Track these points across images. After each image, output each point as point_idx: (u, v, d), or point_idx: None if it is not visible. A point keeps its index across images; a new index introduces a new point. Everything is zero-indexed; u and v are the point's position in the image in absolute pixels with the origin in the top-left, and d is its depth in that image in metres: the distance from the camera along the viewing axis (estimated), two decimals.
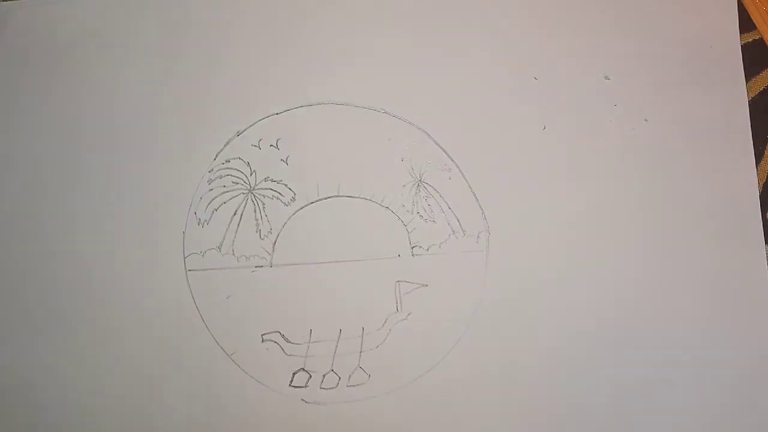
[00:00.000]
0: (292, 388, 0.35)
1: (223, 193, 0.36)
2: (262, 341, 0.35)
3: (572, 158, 0.36)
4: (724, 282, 0.35)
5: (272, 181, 0.36)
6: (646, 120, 0.36)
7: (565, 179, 0.36)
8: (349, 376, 0.35)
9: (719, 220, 0.35)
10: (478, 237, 0.36)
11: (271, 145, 0.37)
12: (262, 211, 0.36)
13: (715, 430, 0.34)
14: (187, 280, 0.36)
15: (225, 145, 0.37)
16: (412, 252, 0.35)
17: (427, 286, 0.35)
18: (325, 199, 0.36)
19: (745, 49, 0.37)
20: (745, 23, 0.37)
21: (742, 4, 0.37)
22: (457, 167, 0.36)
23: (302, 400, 0.35)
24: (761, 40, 0.37)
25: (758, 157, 0.36)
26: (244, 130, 0.37)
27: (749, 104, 0.36)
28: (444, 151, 0.36)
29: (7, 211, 0.37)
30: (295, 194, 0.36)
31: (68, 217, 0.37)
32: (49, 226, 0.37)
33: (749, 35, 0.37)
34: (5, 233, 0.37)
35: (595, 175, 0.36)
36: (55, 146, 0.37)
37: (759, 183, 0.36)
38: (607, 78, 0.37)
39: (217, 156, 0.37)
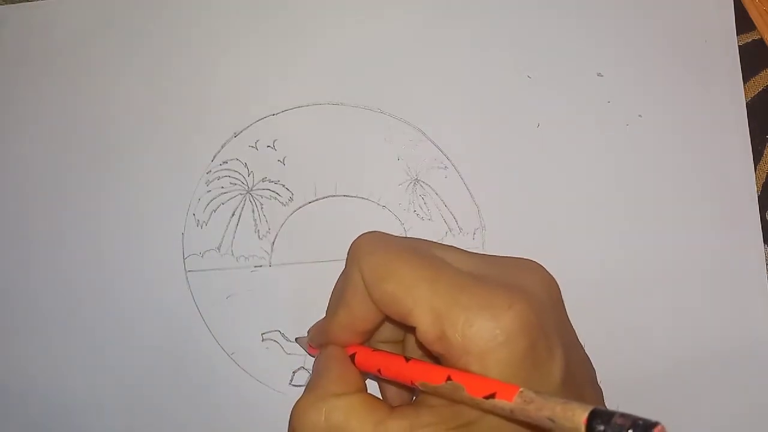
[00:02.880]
0: (293, 387, 0.35)
1: (221, 194, 0.37)
2: (262, 340, 0.36)
3: (566, 155, 0.36)
4: (723, 282, 0.35)
5: (270, 181, 0.37)
6: (640, 116, 0.36)
7: (559, 176, 0.36)
8: None
9: (717, 220, 0.35)
10: (474, 234, 0.36)
11: (268, 146, 0.37)
12: (260, 212, 0.36)
13: (711, 429, 0.34)
14: (188, 282, 0.36)
15: (222, 147, 0.37)
16: None
17: None
18: (323, 198, 0.36)
19: (744, 49, 0.36)
20: (745, 23, 0.37)
21: (741, 3, 0.37)
22: (453, 165, 0.36)
23: None
24: (760, 40, 0.37)
25: (757, 157, 0.36)
26: (241, 132, 0.37)
27: (748, 104, 0.36)
28: (439, 149, 0.36)
29: (0, 214, 0.37)
30: (292, 194, 0.37)
31: (65, 221, 0.37)
32: (45, 230, 0.37)
33: (748, 35, 0.37)
34: None
35: (590, 172, 0.36)
36: (51, 149, 0.38)
37: (758, 183, 0.36)
38: (599, 75, 0.37)
39: (214, 158, 0.37)
